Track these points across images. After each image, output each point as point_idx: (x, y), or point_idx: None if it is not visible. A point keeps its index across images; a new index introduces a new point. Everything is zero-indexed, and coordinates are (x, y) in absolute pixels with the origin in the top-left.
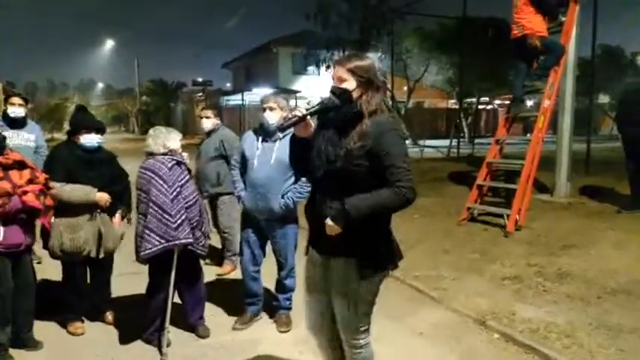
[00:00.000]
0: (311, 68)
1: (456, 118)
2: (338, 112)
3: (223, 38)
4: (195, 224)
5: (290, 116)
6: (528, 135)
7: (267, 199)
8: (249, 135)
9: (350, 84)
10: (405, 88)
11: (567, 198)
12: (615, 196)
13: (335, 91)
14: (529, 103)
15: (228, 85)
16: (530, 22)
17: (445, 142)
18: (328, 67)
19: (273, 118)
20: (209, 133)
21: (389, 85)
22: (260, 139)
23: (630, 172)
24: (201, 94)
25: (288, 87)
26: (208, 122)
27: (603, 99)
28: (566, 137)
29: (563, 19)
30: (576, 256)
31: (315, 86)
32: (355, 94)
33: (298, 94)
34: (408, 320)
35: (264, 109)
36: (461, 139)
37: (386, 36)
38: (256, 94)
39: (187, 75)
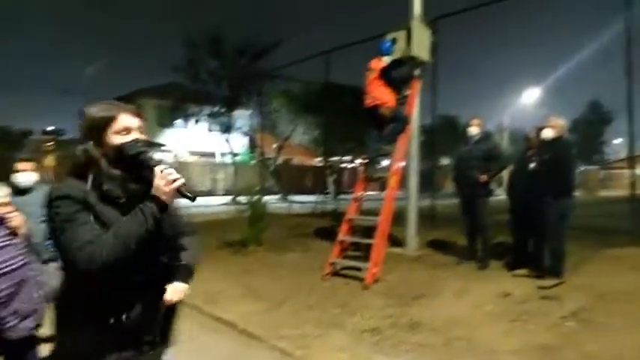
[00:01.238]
0: (178, 121)
1: (322, 175)
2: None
3: (84, 85)
4: (2, 300)
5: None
6: (384, 193)
7: None
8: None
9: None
10: (275, 145)
11: (417, 251)
12: (456, 249)
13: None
14: (384, 163)
15: None
16: (381, 94)
17: (312, 198)
18: (196, 121)
19: None
20: (26, 190)
21: (258, 142)
22: None
23: (466, 228)
24: (51, 143)
25: (151, 140)
26: (25, 176)
27: (445, 161)
28: (413, 195)
29: (408, 92)
30: (425, 306)
31: (181, 140)
32: None
33: (163, 148)
34: None
35: None
36: (326, 195)
37: (255, 95)
38: None
39: (42, 123)
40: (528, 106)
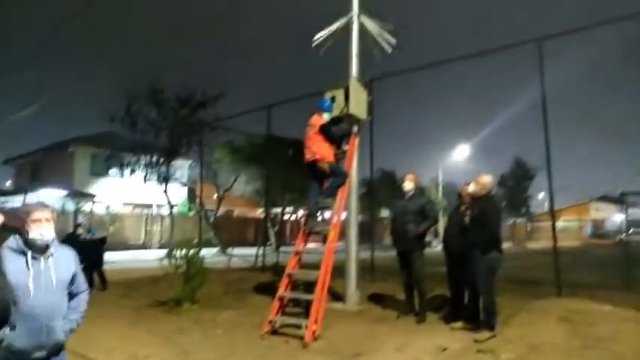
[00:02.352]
0: (113, 171)
1: (264, 227)
2: None
3: (10, 132)
4: None
5: None
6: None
7: (52, 330)
8: (8, 253)
9: None
10: (215, 196)
11: (357, 305)
12: (396, 302)
13: None
14: (326, 215)
15: (8, 183)
16: (320, 149)
17: (253, 251)
18: (133, 170)
19: (50, 231)
20: None
21: (197, 193)
22: (29, 256)
23: (404, 281)
24: None
25: (83, 189)
26: None
27: (384, 213)
28: (353, 249)
29: (347, 147)
30: None
31: (116, 190)
32: None
33: (95, 199)
34: None
35: (38, 221)
36: (268, 246)
37: (196, 145)
38: (41, 195)
39: None
40: (460, 161)
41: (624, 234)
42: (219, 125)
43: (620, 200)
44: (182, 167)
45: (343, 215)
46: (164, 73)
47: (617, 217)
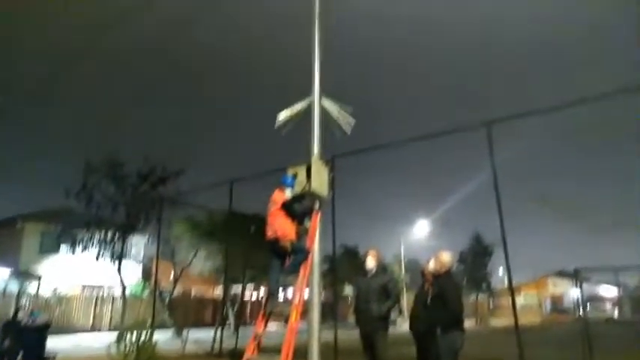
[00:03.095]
0: (64, 248)
1: (223, 307)
2: None
3: None
4: None
5: None
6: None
7: None
8: None
9: None
10: (172, 275)
11: None
12: None
13: None
14: (288, 293)
15: None
16: (282, 226)
17: (211, 332)
18: (85, 247)
19: None
20: None
21: (153, 271)
22: None
23: None
24: None
25: (31, 268)
26: None
27: (347, 290)
28: (315, 328)
29: (309, 224)
30: None
31: (66, 269)
32: None
33: (41, 279)
34: None
35: None
36: (226, 326)
37: (155, 221)
38: None
39: None
40: (422, 237)
41: (582, 310)
42: (179, 200)
43: (574, 276)
44: (138, 244)
45: (305, 293)
46: (125, 145)
47: (573, 292)
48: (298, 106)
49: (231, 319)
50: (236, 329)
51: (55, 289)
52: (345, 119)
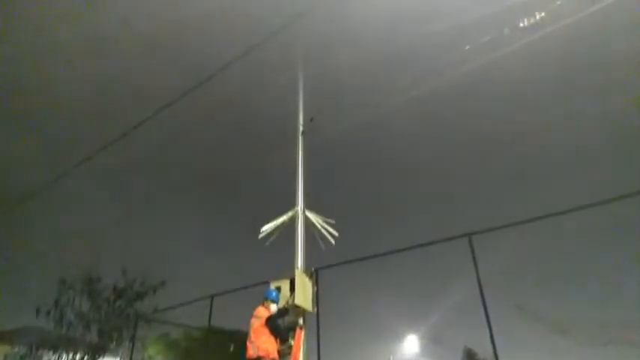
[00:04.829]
0: None
1: None
2: None
3: None
4: None
5: None
6: None
7: None
8: None
9: None
10: None
11: None
12: None
13: None
14: None
15: None
16: (264, 344)
17: None
18: None
19: None
20: None
21: None
22: None
23: None
24: None
25: None
26: None
27: None
28: None
29: (292, 342)
30: None
31: None
32: None
33: None
34: None
35: None
36: None
37: (128, 341)
38: None
39: None
40: (412, 353)
41: None
42: (155, 318)
43: None
44: None
45: None
46: (102, 258)
47: None
48: (282, 218)
49: None
50: None
51: None
52: (328, 231)
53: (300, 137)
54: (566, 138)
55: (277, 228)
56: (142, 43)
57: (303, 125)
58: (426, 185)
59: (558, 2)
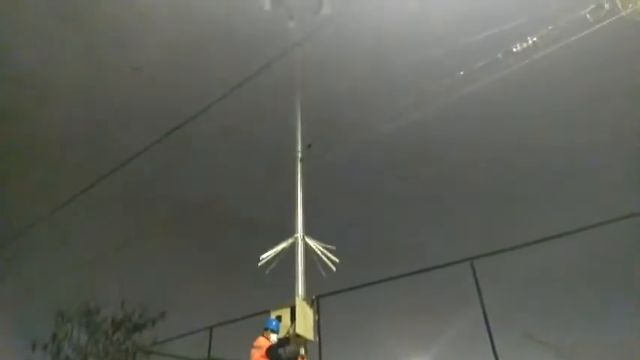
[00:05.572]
0: None
1: None
2: None
3: None
4: None
5: None
6: None
7: None
8: None
9: None
10: None
11: None
12: None
13: None
14: None
15: None
16: None
17: None
18: None
19: None
20: None
21: None
22: None
23: None
24: None
25: None
26: None
27: None
28: None
29: None
30: None
31: None
32: None
33: None
34: None
35: None
36: None
37: None
38: None
39: None
40: None
41: None
42: (154, 350)
43: None
44: None
45: None
46: (101, 289)
47: None
48: (282, 246)
49: None
50: None
51: None
52: (328, 258)
53: (298, 164)
54: (566, 160)
55: (277, 255)
56: (137, 73)
57: (301, 152)
58: (425, 208)
59: (550, 27)
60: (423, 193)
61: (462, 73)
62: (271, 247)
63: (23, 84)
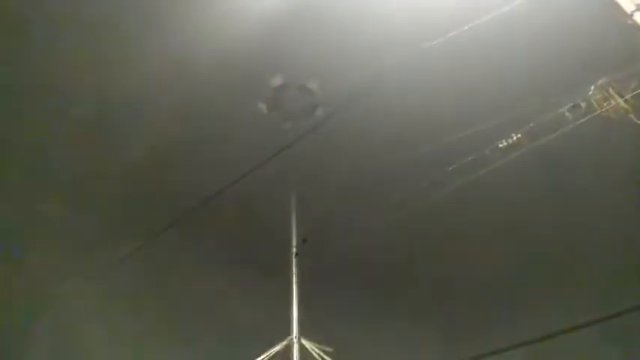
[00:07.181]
0: None
1: None
2: None
3: None
4: None
5: None
6: None
7: None
8: None
9: None
10: None
11: None
12: None
13: None
14: None
15: None
16: None
17: None
18: None
19: None
20: None
21: None
22: None
23: None
24: None
25: None
26: None
27: None
28: None
29: None
30: None
31: None
32: None
33: None
34: None
35: None
36: None
37: None
38: None
39: None
40: None
41: None
42: None
43: None
44: None
45: None
46: None
47: None
48: (275, 349)
49: None
50: None
51: None
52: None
53: (293, 260)
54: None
55: (272, 357)
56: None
57: (296, 247)
58: (425, 302)
59: (531, 124)
60: (424, 285)
61: (450, 168)
62: (264, 350)
63: None
